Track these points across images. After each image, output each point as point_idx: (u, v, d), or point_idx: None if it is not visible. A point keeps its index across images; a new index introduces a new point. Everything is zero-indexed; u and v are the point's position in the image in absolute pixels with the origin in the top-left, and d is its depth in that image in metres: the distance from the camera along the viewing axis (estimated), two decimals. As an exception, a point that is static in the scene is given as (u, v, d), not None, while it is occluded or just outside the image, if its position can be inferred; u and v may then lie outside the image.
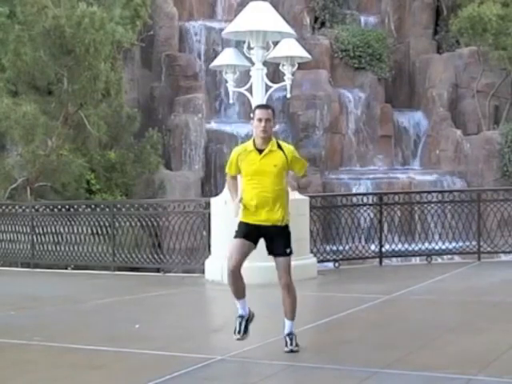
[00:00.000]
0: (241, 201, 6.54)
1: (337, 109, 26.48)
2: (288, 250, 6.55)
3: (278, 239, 6.54)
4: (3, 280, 13.47)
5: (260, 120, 6.50)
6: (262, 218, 6.49)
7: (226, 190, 11.72)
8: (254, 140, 6.60)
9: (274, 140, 6.59)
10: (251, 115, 10.59)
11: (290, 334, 6.60)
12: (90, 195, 21.12)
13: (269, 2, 12.15)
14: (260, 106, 6.86)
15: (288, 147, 6.65)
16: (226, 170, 6.78)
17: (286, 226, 6.60)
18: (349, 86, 27.66)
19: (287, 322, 6.63)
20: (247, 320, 6.66)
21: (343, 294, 10.19)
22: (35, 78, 20.09)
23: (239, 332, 6.60)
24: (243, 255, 6.50)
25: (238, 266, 6.48)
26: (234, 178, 6.79)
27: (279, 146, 6.57)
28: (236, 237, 6.56)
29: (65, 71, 19.59)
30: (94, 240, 14.17)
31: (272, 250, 6.57)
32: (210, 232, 12.02)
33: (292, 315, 6.61)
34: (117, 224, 13.91)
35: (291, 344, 6.55)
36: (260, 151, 6.52)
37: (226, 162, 6.84)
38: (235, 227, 6.66)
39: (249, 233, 6.52)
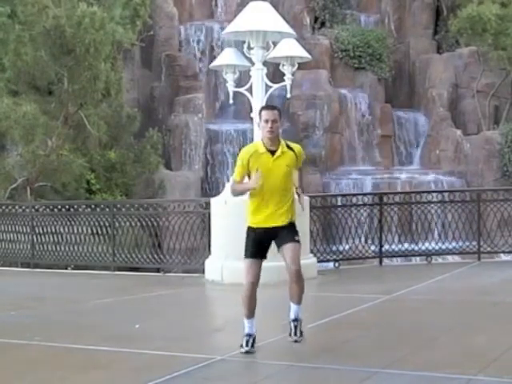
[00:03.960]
0: (260, 173, 6.40)
1: (337, 109, 26.48)
2: (297, 238, 6.54)
3: (285, 231, 6.53)
4: (3, 280, 13.47)
5: (267, 121, 6.50)
6: (271, 220, 6.49)
7: (226, 190, 11.72)
8: (263, 142, 6.59)
9: (282, 141, 6.60)
10: (251, 115, 10.58)
11: (296, 321, 6.59)
12: (90, 195, 21.12)
13: (269, 2, 12.15)
14: (266, 107, 6.83)
15: (297, 146, 6.72)
16: (234, 176, 6.66)
17: (293, 223, 6.62)
18: (349, 86, 27.66)
19: (293, 306, 6.60)
20: (254, 339, 6.62)
21: (343, 294, 10.19)
22: (35, 78, 20.10)
23: (247, 346, 6.55)
24: (258, 272, 6.53)
25: (255, 282, 6.51)
26: (240, 183, 6.69)
27: (288, 146, 6.61)
28: (246, 257, 6.56)
29: (65, 71, 19.59)
30: (94, 240, 14.17)
31: (280, 241, 6.52)
32: (209, 232, 12.02)
33: (299, 299, 6.56)
34: (117, 224, 13.92)
35: (295, 333, 6.56)
36: (272, 152, 6.53)
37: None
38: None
39: (258, 246, 6.52)
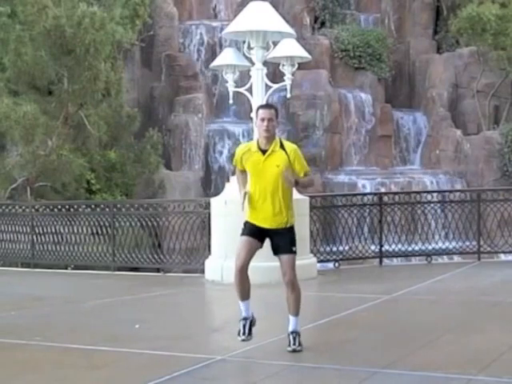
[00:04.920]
0: (246, 195, 6.53)
1: (337, 109, 26.47)
2: (294, 249, 6.54)
3: (283, 238, 6.53)
4: (3, 280, 13.47)
5: (263, 120, 6.49)
6: (266, 221, 6.50)
7: (226, 191, 11.74)
8: (258, 140, 6.61)
9: (277, 139, 6.57)
10: (251, 115, 10.59)
11: (294, 333, 6.57)
12: (90, 195, 21.11)
13: (269, 2, 12.14)
14: (263, 106, 6.84)
15: (290, 146, 6.61)
16: (233, 163, 6.78)
17: (291, 228, 6.60)
18: (349, 86, 27.66)
19: (291, 318, 6.60)
20: (251, 322, 6.64)
21: (343, 294, 10.19)
22: (35, 78, 20.10)
23: (244, 333, 6.59)
24: (250, 254, 6.50)
25: (245, 264, 6.47)
26: (243, 171, 6.73)
27: (282, 146, 6.55)
28: (243, 234, 6.56)
29: (65, 71, 19.59)
30: (94, 240, 14.17)
31: (277, 249, 6.55)
32: (209, 232, 12.02)
33: (295, 311, 6.57)
34: (117, 224, 13.91)
35: (294, 343, 6.53)
36: (263, 152, 6.52)
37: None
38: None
39: (254, 231, 6.53)
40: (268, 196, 6.48)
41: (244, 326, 6.60)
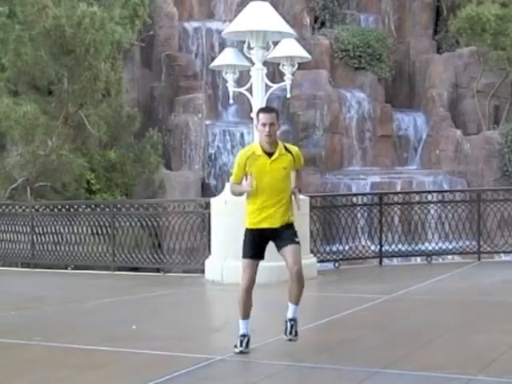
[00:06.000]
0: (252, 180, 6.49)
1: (337, 109, 26.47)
2: (297, 239, 6.56)
3: (284, 232, 6.54)
4: (3, 280, 13.47)
5: (264, 125, 6.48)
6: (269, 221, 6.51)
7: (226, 190, 11.73)
8: (260, 144, 6.58)
9: (280, 143, 6.59)
10: (251, 115, 10.58)
11: (292, 320, 6.61)
12: (90, 195, 21.12)
13: (269, 2, 12.15)
14: (263, 110, 6.76)
15: (294, 149, 6.71)
16: (232, 178, 6.69)
17: (292, 224, 6.62)
18: (349, 86, 27.66)
19: (291, 306, 6.62)
20: (248, 339, 6.64)
21: (343, 294, 10.20)
22: (35, 78, 20.11)
23: (241, 346, 6.59)
24: (255, 273, 6.57)
25: (252, 284, 6.55)
26: (240, 183, 6.71)
27: (286, 149, 6.60)
28: (244, 257, 6.58)
29: (65, 71, 19.59)
30: (94, 240, 14.18)
31: (280, 243, 6.53)
32: (209, 232, 12.03)
33: (297, 300, 6.58)
34: (117, 224, 13.92)
35: (291, 332, 6.58)
36: (269, 154, 6.52)
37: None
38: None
39: (256, 247, 6.56)
40: (273, 197, 6.49)
41: (241, 342, 6.60)
